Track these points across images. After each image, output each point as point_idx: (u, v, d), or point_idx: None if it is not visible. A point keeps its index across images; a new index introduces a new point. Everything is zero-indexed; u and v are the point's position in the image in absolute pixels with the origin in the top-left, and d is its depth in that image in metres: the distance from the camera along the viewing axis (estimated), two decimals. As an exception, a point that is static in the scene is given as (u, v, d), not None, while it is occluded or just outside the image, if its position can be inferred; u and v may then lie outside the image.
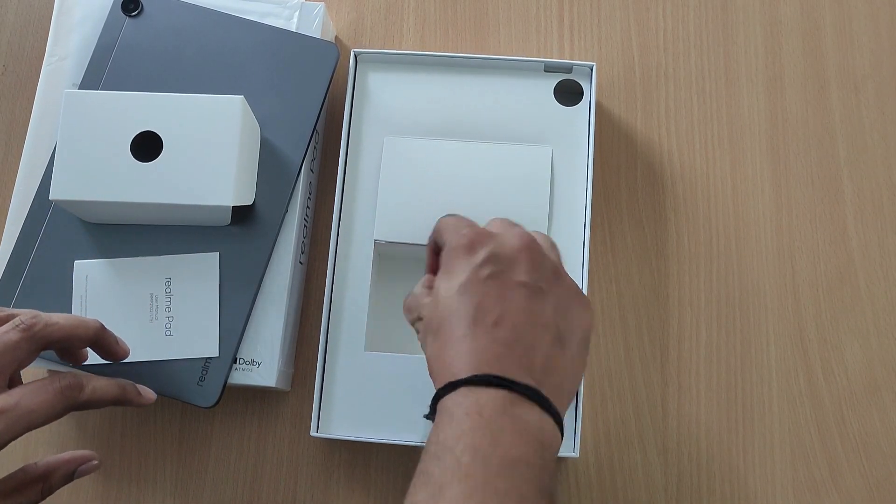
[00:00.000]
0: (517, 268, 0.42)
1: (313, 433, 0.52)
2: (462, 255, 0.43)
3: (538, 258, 0.43)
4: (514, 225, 0.46)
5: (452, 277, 0.43)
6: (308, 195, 0.58)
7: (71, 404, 0.42)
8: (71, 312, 0.53)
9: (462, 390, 0.39)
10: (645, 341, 0.57)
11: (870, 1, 0.62)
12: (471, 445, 0.36)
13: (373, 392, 0.53)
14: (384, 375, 0.53)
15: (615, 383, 0.56)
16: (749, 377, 0.56)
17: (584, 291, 0.53)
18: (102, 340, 0.46)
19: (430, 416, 0.40)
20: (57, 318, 0.43)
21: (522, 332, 0.41)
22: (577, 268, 0.54)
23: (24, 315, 0.42)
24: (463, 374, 0.39)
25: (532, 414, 0.38)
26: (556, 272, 0.44)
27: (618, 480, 0.55)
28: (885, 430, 0.55)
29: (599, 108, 0.61)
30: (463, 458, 0.36)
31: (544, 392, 0.39)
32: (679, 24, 0.63)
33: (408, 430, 0.52)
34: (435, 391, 0.40)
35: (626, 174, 0.60)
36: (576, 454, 0.51)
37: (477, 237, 0.44)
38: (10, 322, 0.42)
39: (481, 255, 0.43)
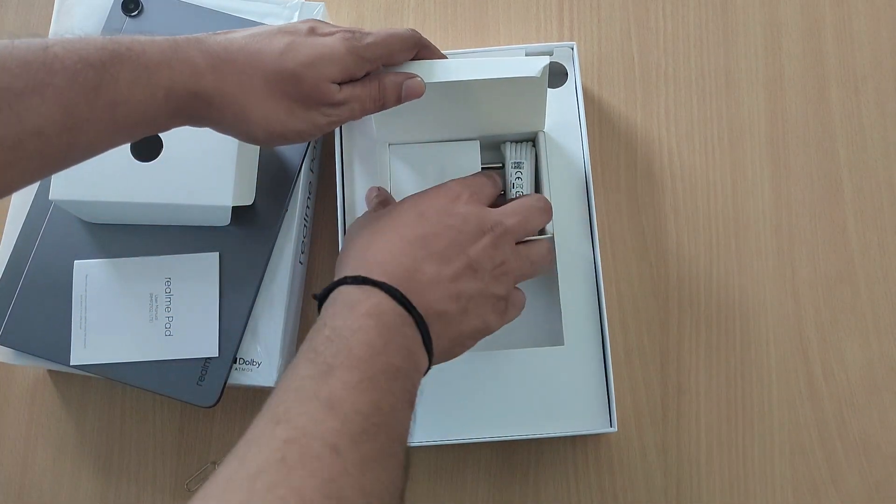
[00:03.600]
0: (478, 242, 0.46)
1: None
2: (445, 198, 0.47)
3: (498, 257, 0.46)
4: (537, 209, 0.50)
5: (435, 196, 0.47)
6: (308, 195, 0.58)
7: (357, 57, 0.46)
8: (71, 311, 0.53)
9: (366, 288, 0.41)
10: (644, 342, 0.57)
11: (870, 1, 0.62)
12: (366, 341, 0.39)
13: None
14: None
15: (615, 384, 0.56)
16: (749, 377, 0.56)
17: (598, 262, 0.53)
18: (422, 47, 0.49)
19: (320, 297, 0.43)
20: (372, 36, 0.47)
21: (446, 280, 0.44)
22: (583, 234, 0.55)
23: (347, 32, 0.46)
24: (376, 276, 0.42)
25: (416, 342, 0.42)
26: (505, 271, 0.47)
27: (618, 480, 0.55)
28: (885, 430, 0.55)
29: (599, 109, 0.61)
30: (356, 350, 0.39)
31: (432, 334, 0.42)
32: (679, 24, 0.63)
33: (435, 429, 0.52)
34: (339, 277, 0.43)
35: (626, 174, 0.60)
36: (614, 429, 0.51)
37: (482, 217, 0.47)
38: (339, 34, 0.46)
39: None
